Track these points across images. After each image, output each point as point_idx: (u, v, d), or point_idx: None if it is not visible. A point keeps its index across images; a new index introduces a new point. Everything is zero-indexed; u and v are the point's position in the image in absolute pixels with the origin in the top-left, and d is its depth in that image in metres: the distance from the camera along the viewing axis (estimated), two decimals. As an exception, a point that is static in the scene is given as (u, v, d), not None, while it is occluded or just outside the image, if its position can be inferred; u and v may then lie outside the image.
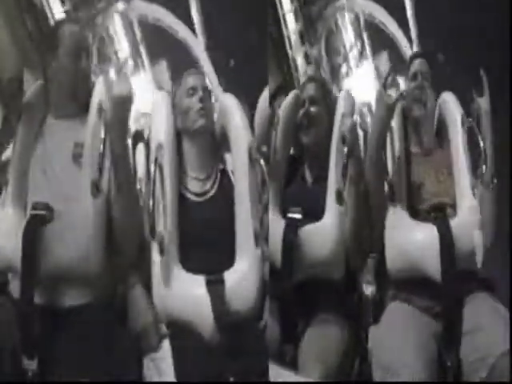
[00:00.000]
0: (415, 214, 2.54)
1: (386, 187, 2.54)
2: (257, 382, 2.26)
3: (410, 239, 2.47)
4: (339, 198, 2.50)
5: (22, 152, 2.30)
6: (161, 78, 3.71)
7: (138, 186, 2.39)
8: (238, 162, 2.42)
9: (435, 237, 2.43)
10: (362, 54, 4.31)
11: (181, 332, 2.27)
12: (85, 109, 2.31)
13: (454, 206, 2.53)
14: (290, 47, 4.24)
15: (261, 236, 2.36)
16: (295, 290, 2.50)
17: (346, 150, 2.50)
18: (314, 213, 2.55)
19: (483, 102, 2.55)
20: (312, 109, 2.71)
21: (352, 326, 2.55)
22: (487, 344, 2.29)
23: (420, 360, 2.28)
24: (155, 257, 2.30)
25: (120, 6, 3.56)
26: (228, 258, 2.34)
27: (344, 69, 4.41)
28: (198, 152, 2.49)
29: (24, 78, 2.38)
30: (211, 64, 3.76)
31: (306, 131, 2.70)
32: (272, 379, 2.28)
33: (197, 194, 2.45)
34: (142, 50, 3.71)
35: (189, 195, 2.45)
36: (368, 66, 4.51)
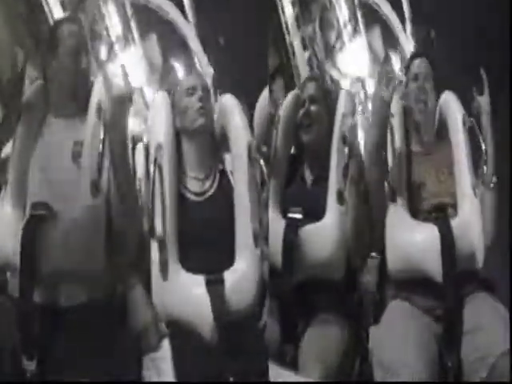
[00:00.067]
0: (416, 213, 2.54)
1: (386, 186, 2.54)
2: (257, 382, 2.26)
3: (410, 239, 2.47)
4: (340, 197, 2.50)
5: (22, 151, 2.30)
6: (151, 53, 3.74)
7: (138, 186, 2.38)
8: (237, 161, 2.41)
9: (436, 237, 2.43)
10: (355, 29, 4.36)
11: (180, 331, 2.27)
12: (84, 108, 2.31)
13: (454, 206, 2.52)
14: (288, 32, 4.32)
15: (260, 236, 2.36)
16: (295, 289, 2.51)
17: (346, 150, 2.50)
18: (315, 212, 2.55)
19: (483, 101, 2.56)
20: (312, 108, 2.71)
21: (352, 326, 2.55)
22: (487, 344, 2.30)
23: (420, 360, 2.28)
24: (155, 256, 2.30)
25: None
26: (227, 258, 2.33)
27: (337, 44, 4.47)
28: (197, 151, 2.48)
29: (26, 76, 2.38)
30: (200, 43, 3.80)
31: (307, 130, 2.70)
32: (272, 379, 2.27)
33: (196, 194, 2.45)
34: (133, 25, 3.75)
35: (188, 195, 2.44)
36: (361, 40, 4.55)
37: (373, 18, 4.21)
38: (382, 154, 2.57)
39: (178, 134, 2.48)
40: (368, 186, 2.54)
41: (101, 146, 2.23)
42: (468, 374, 2.33)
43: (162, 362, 2.31)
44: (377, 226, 2.53)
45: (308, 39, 4.54)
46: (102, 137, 2.23)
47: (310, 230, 2.54)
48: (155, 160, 2.35)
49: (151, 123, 2.48)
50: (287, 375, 2.31)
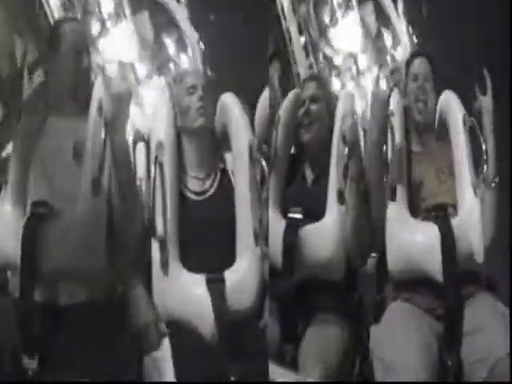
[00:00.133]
0: (416, 213, 2.54)
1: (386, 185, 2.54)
2: (257, 382, 2.26)
3: (411, 239, 2.47)
4: (340, 197, 2.50)
5: (22, 150, 2.30)
6: (143, 30, 3.75)
7: (138, 185, 2.38)
8: (238, 160, 2.41)
9: (436, 236, 2.43)
10: (348, 5, 4.40)
11: (181, 331, 2.26)
12: (85, 107, 2.31)
13: (455, 206, 2.52)
14: (285, 18, 4.39)
15: (261, 235, 2.35)
16: (295, 289, 2.51)
17: (346, 149, 2.49)
18: (315, 212, 2.55)
19: (486, 101, 2.56)
20: (313, 107, 2.71)
21: (352, 326, 2.55)
22: (488, 344, 2.30)
23: (421, 360, 2.28)
24: (155, 256, 2.30)
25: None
26: (228, 257, 2.33)
27: (331, 21, 4.52)
28: (198, 151, 2.48)
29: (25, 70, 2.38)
30: (190, 20, 3.83)
31: (307, 129, 2.70)
32: (272, 379, 2.27)
33: (196, 193, 2.45)
34: (125, 2, 3.78)
35: (188, 194, 2.44)
36: (354, 16, 4.59)
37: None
38: (382, 153, 2.57)
39: (178, 134, 2.48)
40: (368, 185, 2.54)
41: (102, 144, 2.22)
42: (468, 374, 2.34)
43: (162, 362, 2.31)
44: (377, 225, 2.52)
45: (303, 20, 4.59)
46: (103, 136, 2.22)
47: (309, 230, 2.54)
48: (156, 158, 2.35)
49: (152, 121, 2.48)
50: (287, 375, 2.31)
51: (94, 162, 2.22)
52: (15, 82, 2.35)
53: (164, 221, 2.30)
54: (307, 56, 4.78)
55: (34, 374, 2.15)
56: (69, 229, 2.21)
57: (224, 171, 2.48)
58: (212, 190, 2.46)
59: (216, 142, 2.51)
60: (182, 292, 2.28)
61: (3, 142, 2.36)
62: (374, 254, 2.64)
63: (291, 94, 2.72)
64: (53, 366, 2.17)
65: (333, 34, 4.81)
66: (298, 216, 2.57)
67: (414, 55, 2.77)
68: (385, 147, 2.58)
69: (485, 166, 2.51)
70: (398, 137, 2.56)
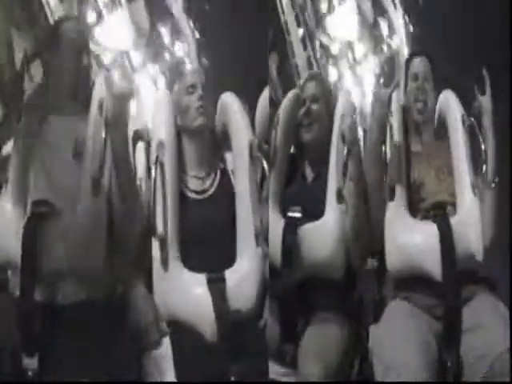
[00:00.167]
0: (415, 212, 2.54)
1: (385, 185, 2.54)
2: (257, 382, 2.26)
3: (410, 238, 2.47)
4: (339, 196, 2.50)
5: (23, 150, 2.30)
6: (138, 18, 3.76)
7: (139, 184, 2.38)
8: (238, 160, 2.41)
9: (436, 235, 2.43)
10: None
11: (181, 330, 2.27)
12: (85, 107, 2.31)
13: (454, 205, 2.52)
14: (283, 11, 4.48)
15: (261, 235, 2.36)
16: (295, 288, 2.51)
17: (345, 148, 2.49)
18: (315, 210, 2.55)
19: (485, 101, 2.56)
20: (313, 107, 2.71)
21: (352, 325, 2.55)
22: (487, 343, 2.29)
23: (420, 359, 2.28)
24: (156, 255, 2.30)
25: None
26: (228, 257, 2.33)
27: (327, 7, 4.55)
28: (198, 150, 2.48)
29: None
30: (186, 10, 3.84)
31: (307, 129, 2.70)
32: (272, 379, 2.28)
33: (196, 192, 2.45)
34: None
35: (189, 193, 2.44)
36: (350, 3, 4.61)
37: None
38: (381, 152, 2.57)
39: (178, 133, 2.48)
40: (367, 185, 2.54)
41: (102, 144, 2.22)
42: (468, 372, 2.33)
43: (162, 361, 2.31)
44: (376, 224, 2.53)
45: (299, 10, 4.61)
46: (103, 135, 2.22)
47: (309, 229, 2.54)
48: (156, 158, 2.35)
49: (153, 120, 2.48)
50: (287, 375, 2.31)
51: (95, 162, 2.22)
52: (15, 82, 2.34)
53: (164, 220, 2.31)
54: (305, 48, 4.81)
55: (34, 373, 2.15)
56: (69, 228, 2.21)
57: (224, 171, 2.48)
58: (212, 190, 2.46)
59: (216, 142, 2.51)
60: (183, 291, 2.28)
61: (3, 141, 2.36)
62: (373, 254, 2.64)
63: (291, 94, 2.72)
64: (53, 365, 2.17)
65: (329, 22, 4.84)
66: (298, 215, 2.57)
67: (413, 54, 2.77)
68: (384, 147, 2.58)
69: (484, 166, 2.51)
70: (397, 135, 2.57)
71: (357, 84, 5.02)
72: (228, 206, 2.39)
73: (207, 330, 2.23)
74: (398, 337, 2.35)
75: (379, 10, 4.84)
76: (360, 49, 5.04)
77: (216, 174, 2.48)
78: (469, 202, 2.48)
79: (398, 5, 4.81)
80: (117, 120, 2.21)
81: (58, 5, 3.69)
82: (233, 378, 2.19)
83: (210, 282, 2.27)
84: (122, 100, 2.21)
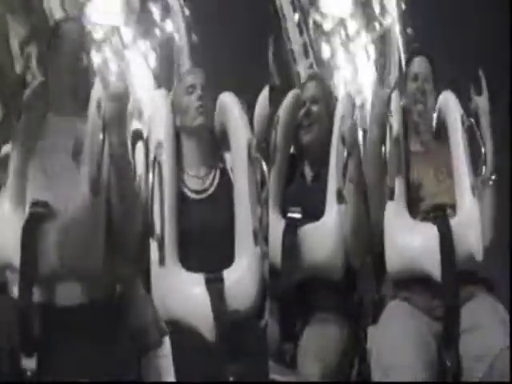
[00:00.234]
0: (415, 213, 2.54)
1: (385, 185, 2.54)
2: (257, 382, 2.26)
3: (409, 239, 2.47)
4: (339, 197, 2.50)
5: (22, 150, 2.29)
6: None
7: (138, 185, 2.37)
8: (237, 159, 2.41)
9: (435, 236, 2.43)
10: None
11: (180, 331, 2.26)
12: (84, 107, 2.30)
13: (453, 206, 2.53)
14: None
15: (260, 234, 2.35)
16: (295, 289, 2.51)
17: (345, 149, 2.50)
18: (314, 212, 2.55)
19: (482, 102, 2.56)
20: (313, 108, 2.71)
21: (351, 326, 2.55)
22: (486, 343, 2.30)
23: (419, 359, 2.29)
24: (154, 255, 2.29)
25: None
26: (227, 257, 2.33)
27: None
28: (197, 150, 2.48)
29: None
30: None
31: (307, 130, 2.70)
32: (272, 379, 2.27)
33: (196, 192, 2.45)
34: None
35: (188, 193, 2.44)
36: None
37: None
38: (381, 153, 2.57)
39: (177, 133, 2.48)
40: (367, 185, 2.54)
41: (101, 144, 2.22)
42: (467, 373, 2.34)
43: (162, 361, 2.31)
44: (376, 225, 2.53)
45: None
46: (101, 136, 2.22)
47: (309, 230, 2.55)
48: (155, 158, 2.35)
49: (151, 121, 2.48)
50: (287, 375, 2.31)
51: (93, 162, 2.21)
52: (17, 81, 2.34)
53: (162, 220, 2.31)
54: (301, 34, 4.84)
55: (33, 374, 2.14)
56: (68, 229, 2.20)
57: (224, 170, 2.48)
58: (212, 189, 2.46)
59: (215, 141, 2.51)
60: (181, 291, 2.28)
61: (2, 141, 2.35)
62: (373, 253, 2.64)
63: (291, 95, 2.72)
64: (52, 366, 2.16)
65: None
66: (298, 216, 2.57)
67: (413, 54, 2.76)
68: (384, 148, 2.58)
69: (483, 167, 2.51)
70: (397, 131, 2.57)
71: (349, 61, 5.06)
72: (227, 205, 2.39)
73: (206, 330, 2.22)
74: (397, 337, 2.35)
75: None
76: (352, 26, 5.10)
77: (215, 174, 2.48)
78: (468, 203, 2.49)
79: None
80: (115, 120, 2.21)
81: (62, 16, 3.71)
82: (232, 378, 2.19)
83: (208, 281, 2.27)
84: (120, 101, 2.21)
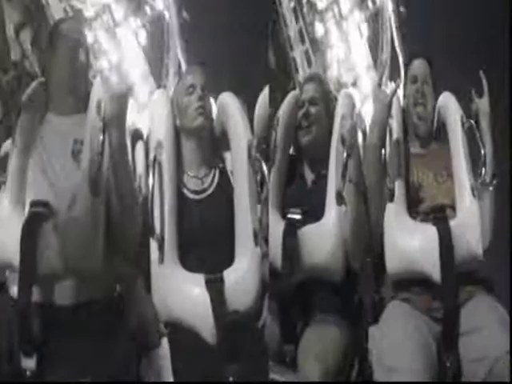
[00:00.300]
0: (415, 214, 2.54)
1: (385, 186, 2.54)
2: (257, 382, 2.25)
3: (409, 240, 2.47)
4: (339, 198, 2.50)
5: (21, 149, 2.29)
6: None
7: (137, 184, 2.37)
8: (237, 160, 2.41)
9: (435, 238, 2.43)
10: None
11: (180, 331, 2.26)
12: (84, 106, 2.30)
13: (453, 207, 2.52)
14: None
15: (260, 235, 2.35)
16: (295, 290, 2.50)
17: (345, 150, 2.49)
18: (314, 213, 2.55)
19: (483, 104, 2.56)
20: (312, 109, 2.71)
21: (351, 327, 2.55)
22: (486, 344, 2.30)
23: (419, 360, 2.29)
24: (154, 255, 2.29)
25: None
26: (227, 257, 2.32)
27: None
28: (197, 150, 2.48)
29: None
30: None
31: (306, 132, 2.70)
32: (272, 379, 2.27)
33: (195, 192, 2.44)
34: None
35: (187, 193, 2.44)
36: None
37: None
38: (381, 155, 2.57)
39: (177, 133, 2.48)
40: (366, 187, 2.54)
41: (100, 144, 2.21)
42: (467, 374, 2.34)
43: (161, 361, 2.31)
44: (375, 226, 2.52)
45: None
46: (101, 136, 2.21)
47: (309, 231, 2.54)
48: (155, 158, 2.35)
49: (151, 121, 2.48)
50: (287, 375, 2.31)
51: (93, 162, 2.21)
52: (16, 81, 2.34)
53: (161, 220, 2.30)
54: (297, 20, 4.87)
55: (33, 374, 2.14)
56: (68, 229, 2.20)
57: (223, 170, 2.48)
58: (211, 189, 2.45)
59: (215, 141, 2.51)
60: (181, 292, 2.27)
61: (2, 139, 2.35)
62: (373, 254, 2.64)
63: (291, 96, 2.72)
64: (52, 366, 2.16)
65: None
66: (298, 217, 2.57)
67: (413, 56, 2.76)
68: (384, 150, 2.58)
69: (483, 168, 2.51)
70: (396, 132, 2.57)
71: (343, 40, 5.10)
72: (227, 205, 2.39)
73: (205, 331, 2.22)
74: (398, 338, 2.35)
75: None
76: (345, 4, 5.14)
77: (215, 174, 2.47)
78: (468, 204, 2.49)
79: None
80: (115, 121, 2.21)
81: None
82: (232, 379, 2.18)
83: (208, 282, 2.26)
84: (119, 101, 2.21)
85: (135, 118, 2.40)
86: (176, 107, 2.48)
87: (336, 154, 2.60)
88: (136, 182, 2.36)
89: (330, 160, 2.62)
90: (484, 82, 2.58)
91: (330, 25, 5.10)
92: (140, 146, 2.42)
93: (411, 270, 2.45)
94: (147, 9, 4.64)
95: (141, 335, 2.34)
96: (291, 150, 2.75)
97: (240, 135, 2.42)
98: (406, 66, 2.75)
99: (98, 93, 2.29)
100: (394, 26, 5.08)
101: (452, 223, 2.46)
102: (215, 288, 2.25)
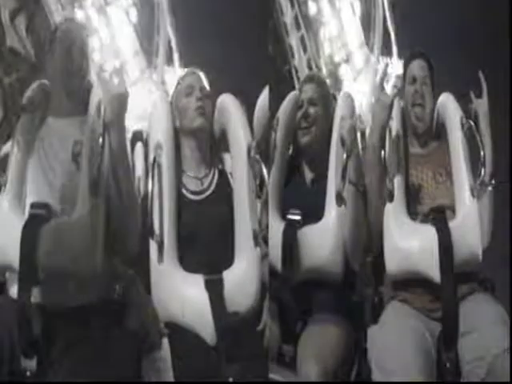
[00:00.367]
0: (414, 215, 2.54)
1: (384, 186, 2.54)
2: (257, 382, 2.26)
3: (409, 241, 2.46)
4: (339, 199, 2.50)
5: (21, 151, 2.29)
6: None
7: (137, 185, 2.38)
8: (236, 161, 2.42)
9: (434, 238, 2.42)
10: None
11: (179, 332, 2.27)
12: (84, 108, 2.31)
13: (452, 208, 2.52)
14: None
15: (260, 235, 2.36)
16: (295, 290, 2.50)
17: (344, 151, 2.50)
18: (314, 214, 2.55)
19: (482, 104, 2.56)
20: (311, 110, 2.71)
21: (351, 327, 2.54)
22: (486, 344, 2.29)
23: (418, 360, 2.28)
24: (153, 256, 2.29)
25: None
26: (227, 258, 2.33)
27: None
28: (196, 151, 2.48)
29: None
30: None
31: (305, 132, 2.70)
32: (272, 379, 2.27)
33: (195, 193, 2.45)
34: None
35: (187, 194, 2.44)
36: None
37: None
38: (380, 155, 2.57)
39: (177, 134, 2.48)
40: (366, 186, 2.54)
41: (100, 146, 2.22)
42: (466, 374, 2.33)
43: (161, 362, 2.31)
44: (375, 227, 2.53)
45: None
46: (101, 137, 2.22)
47: (308, 232, 2.54)
48: (154, 159, 2.35)
49: (151, 122, 2.48)
50: (287, 375, 2.31)
51: (93, 164, 2.22)
52: (17, 83, 2.34)
53: (161, 221, 2.31)
54: (292, 6, 4.90)
55: (33, 374, 2.14)
56: (67, 230, 2.20)
57: (222, 171, 2.49)
58: (210, 190, 2.46)
59: (214, 142, 2.52)
60: (181, 292, 2.28)
61: (3, 141, 2.36)
62: (372, 255, 2.64)
63: (290, 96, 2.72)
64: (52, 366, 2.16)
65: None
66: (297, 217, 2.57)
67: (412, 56, 2.76)
68: (383, 151, 2.58)
69: (482, 168, 2.51)
70: (396, 132, 2.57)
71: (335, 17, 5.12)
72: (226, 206, 2.40)
73: (205, 332, 2.22)
74: (397, 338, 2.35)
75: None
76: None
77: (214, 175, 2.48)
78: (467, 205, 2.49)
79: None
80: (115, 122, 2.21)
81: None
82: (231, 379, 2.18)
83: (207, 283, 2.27)
84: (119, 102, 2.21)
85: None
86: (175, 108, 2.49)
87: (336, 155, 2.60)
88: (136, 182, 2.36)
89: (329, 160, 2.62)
90: (483, 82, 2.58)
91: (323, 2, 5.15)
92: (140, 147, 2.43)
93: (410, 270, 2.45)
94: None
95: (141, 336, 2.34)
96: (291, 151, 2.76)
97: (239, 136, 2.43)
98: (405, 66, 2.75)
99: (97, 94, 2.29)
100: (386, 3, 5.12)
101: (451, 224, 2.45)
102: (215, 289, 2.26)
